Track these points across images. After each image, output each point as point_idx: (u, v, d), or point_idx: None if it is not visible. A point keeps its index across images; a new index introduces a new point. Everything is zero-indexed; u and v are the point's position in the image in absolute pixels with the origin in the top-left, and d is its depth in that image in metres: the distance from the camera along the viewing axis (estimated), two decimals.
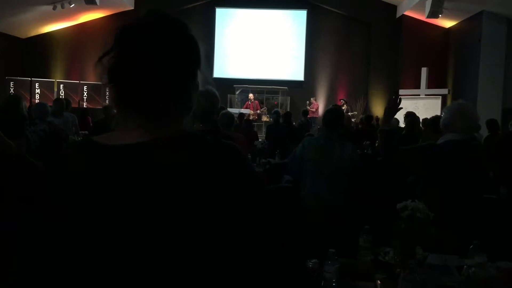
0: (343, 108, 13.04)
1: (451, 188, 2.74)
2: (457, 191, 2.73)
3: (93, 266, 0.82)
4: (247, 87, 14.54)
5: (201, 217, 0.82)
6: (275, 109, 9.81)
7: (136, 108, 0.91)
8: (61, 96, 13.31)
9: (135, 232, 0.81)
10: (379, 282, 2.02)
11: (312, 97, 15.06)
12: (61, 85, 14.35)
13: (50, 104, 6.72)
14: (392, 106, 2.96)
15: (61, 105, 7.13)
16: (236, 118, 6.08)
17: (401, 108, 2.98)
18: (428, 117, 8.20)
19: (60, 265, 0.84)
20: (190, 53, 0.96)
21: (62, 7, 12.94)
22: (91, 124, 8.73)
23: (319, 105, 14.86)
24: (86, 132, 7.84)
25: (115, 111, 0.95)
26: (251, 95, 13.91)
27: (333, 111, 3.87)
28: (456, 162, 2.76)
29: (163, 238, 0.81)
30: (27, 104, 11.17)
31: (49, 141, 4.66)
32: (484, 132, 7.87)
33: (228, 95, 14.65)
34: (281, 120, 8.75)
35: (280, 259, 0.89)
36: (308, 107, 13.72)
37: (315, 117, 13.80)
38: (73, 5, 12.98)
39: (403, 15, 14.34)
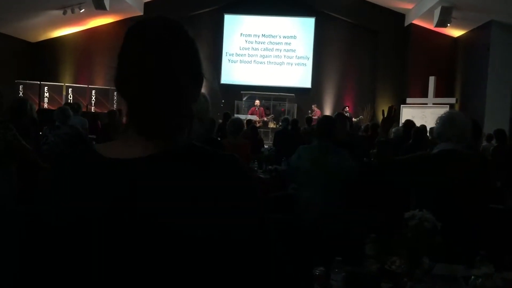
0: (346, 114, 12.99)
1: (445, 197, 2.72)
2: (451, 200, 2.72)
3: (94, 279, 0.82)
4: (254, 93, 14.55)
5: (203, 227, 0.83)
6: (285, 116, 9.82)
7: (141, 119, 0.90)
8: (69, 100, 13.40)
9: (138, 245, 0.82)
10: None
11: (318, 104, 15.02)
12: (69, 89, 14.44)
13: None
14: (388, 117, 2.99)
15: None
16: (244, 124, 6.10)
17: (395, 118, 3.00)
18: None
19: (58, 276, 0.84)
20: (196, 60, 0.95)
21: (72, 12, 13.05)
22: (99, 128, 8.78)
23: (324, 112, 14.82)
24: (94, 136, 7.88)
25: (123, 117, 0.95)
26: (257, 102, 13.92)
27: (325, 120, 3.87)
28: (449, 171, 2.76)
29: (166, 249, 0.82)
30: (36, 108, 11.29)
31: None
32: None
33: (235, 101, 14.68)
34: (289, 127, 8.80)
35: (270, 269, 0.90)
36: (311, 115, 13.69)
37: None
38: (83, 10, 13.09)
39: (411, 23, 14.33)
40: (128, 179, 0.85)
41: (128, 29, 0.93)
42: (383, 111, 3.07)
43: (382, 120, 3.05)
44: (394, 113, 3.00)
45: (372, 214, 3.55)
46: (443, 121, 2.88)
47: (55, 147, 4.59)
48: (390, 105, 3.13)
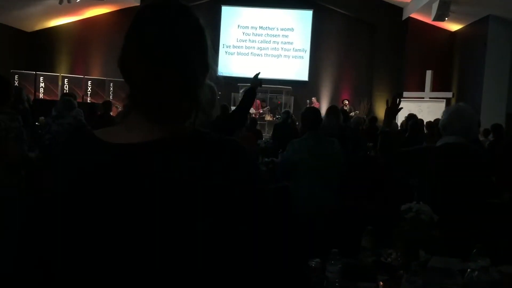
0: (345, 108, 13.00)
1: (448, 191, 2.71)
2: (454, 193, 2.70)
3: (91, 263, 0.81)
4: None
5: (206, 215, 0.82)
6: (285, 109, 9.80)
7: (147, 102, 0.89)
8: (65, 91, 13.32)
9: (138, 230, 0.81)
10: (381, 283, 2.02)
11: (315, 97, 14.98)
12: (65, 79, 14.38)
13: (56, 98, 6.76)
14: (392, 107, 2.95)
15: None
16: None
17: (401, 108, 2.96)
18: (432, 120, 8.21)
19: (54, 260, 0.82)
20: (205, 47, 0.95)
21: (69, 1, 12.93)
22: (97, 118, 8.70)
23: (322, 106, 14.79)
24: (90, 127, 7.83)
25: (119, 107, 0.93)
26: None
27: (310, 112, 3.89)
28: (453, 165, 2.74)
29: (166, 237, 0.80)
30: (32, 98, 11.22)
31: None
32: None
33: (232, 93, 14.63)
34: (289, 120, 8.81)
35: (281, 259, 0.89)
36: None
37: None
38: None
39: (409, 17, 14.30)
40: (134, 164, 0.84)
41: (138, 10, 0.93)
42: (387, 101, 3.00)
43: (386, 110, 3.00)
44: (399, 104, 2.95)
45: (369, 206, 3.56)
46: (449, 113, 2.85)
47: (58, 136, 4.59)
48: (387, 97, 3.09)
